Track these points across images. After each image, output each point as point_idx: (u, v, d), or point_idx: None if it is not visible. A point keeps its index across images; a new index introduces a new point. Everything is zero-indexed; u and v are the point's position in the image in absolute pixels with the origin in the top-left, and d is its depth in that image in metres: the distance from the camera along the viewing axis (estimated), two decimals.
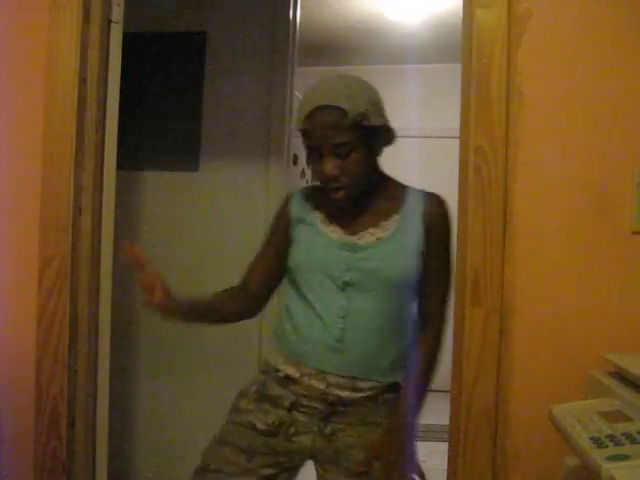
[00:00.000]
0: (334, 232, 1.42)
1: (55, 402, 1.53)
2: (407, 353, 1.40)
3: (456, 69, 1.46)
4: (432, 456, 3.22)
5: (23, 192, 1.59)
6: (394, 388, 1.39)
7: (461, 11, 1.42)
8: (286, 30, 2.55)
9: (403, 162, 4.59)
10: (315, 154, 1.34)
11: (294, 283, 1.44)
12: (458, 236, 1.41)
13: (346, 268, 1.37)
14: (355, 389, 1.36)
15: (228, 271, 2.59)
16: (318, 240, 1.42)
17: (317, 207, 1.46)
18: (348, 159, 1.33)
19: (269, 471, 1.38)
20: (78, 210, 1.57)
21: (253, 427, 1.38)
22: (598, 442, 0.86)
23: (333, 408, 1.36)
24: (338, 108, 1.29)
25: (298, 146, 3.31)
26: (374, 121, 1.31)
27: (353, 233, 1.40)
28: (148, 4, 2.58)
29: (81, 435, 1.58)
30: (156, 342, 2.61)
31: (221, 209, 2.58)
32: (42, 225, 1.55)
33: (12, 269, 1.60)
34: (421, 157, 4.66)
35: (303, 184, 3.48)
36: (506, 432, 1.34)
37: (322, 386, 1.37)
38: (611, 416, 0.93)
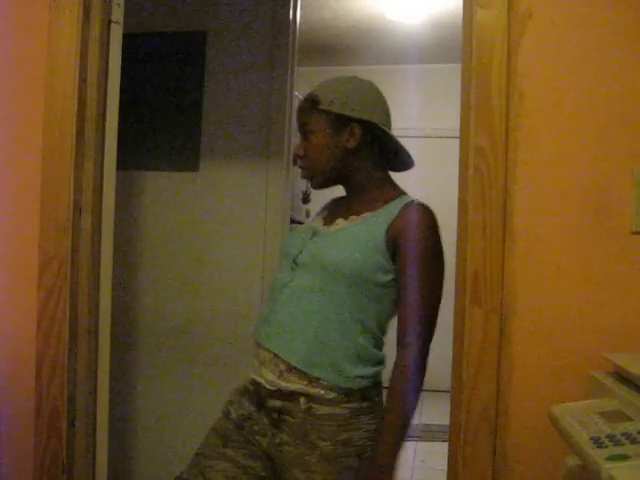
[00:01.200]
0: (316, 223, 1.50)
1: (55, 402, 1.53)
2: (347, 358, 1.34)
3: (456, 69, 1.46)
4: (432, 456, 3.23)
5: (23, 192, 1.59)
6: (326, 402, 1.33)
7: (461, 11, 1.42)
8: (286, 30, 2.55)
9: None
10: None
11: None
12: (458, 236, 1.41)
13: (300, 249, 1.43)
14: (280, 376, 1.34)
15: (228, 271, 2.61)
16: (300, 228, 1.54)
17: (327, 207, 1.58)
18: (310, 141, 1.44)
19: (247, 461, 1.40)
20: (78, 210, 1.57)
21: (228, 415, 1.45)
22: (598, 442, 0.86)
23: (280, 416, 1.35)
24: (312, 94, 1.45)
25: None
26: (327, 106, 1.42)
27: (328, 224, 1.46)
28: (148, 4, 2.58)
29: (81, 435, 1.58)
30: (156, 342, 2.61)
31: (221, 209, 2.59)
32: (42, 225, 1.55)
33: (12, 269, 1.60)
34: (421, 157, 4.65)
35: (303, 184, 3.49)
36: (506, 432, 1.34)
37: (257, 364, 1.40)
38: (611, 416, 0.93)
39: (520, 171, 1.35)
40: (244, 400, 1.45)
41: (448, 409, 1.45)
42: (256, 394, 1.42)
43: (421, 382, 1.32)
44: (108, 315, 1.67)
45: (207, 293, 2.59)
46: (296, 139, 1.49)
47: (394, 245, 1.35)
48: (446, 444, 1.46)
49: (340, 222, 1.43)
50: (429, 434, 3.61)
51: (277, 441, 1.36)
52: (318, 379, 1.32)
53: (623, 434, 0.86)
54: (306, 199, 3.64)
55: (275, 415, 1.37)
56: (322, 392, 1.32)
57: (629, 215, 1.31)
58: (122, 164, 1.79)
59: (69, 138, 1.54)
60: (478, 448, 1.34)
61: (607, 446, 0.84)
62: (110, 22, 1.64)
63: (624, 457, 0.80)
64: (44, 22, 1.56)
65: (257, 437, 1.40)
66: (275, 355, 1.36)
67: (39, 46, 1.57)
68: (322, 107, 1.42)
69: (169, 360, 2.61)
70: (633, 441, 0.84)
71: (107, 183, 1.65)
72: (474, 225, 1.35)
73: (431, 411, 4.13)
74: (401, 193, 1.46)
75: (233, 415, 1.45)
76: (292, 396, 1.34)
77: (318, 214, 1.59)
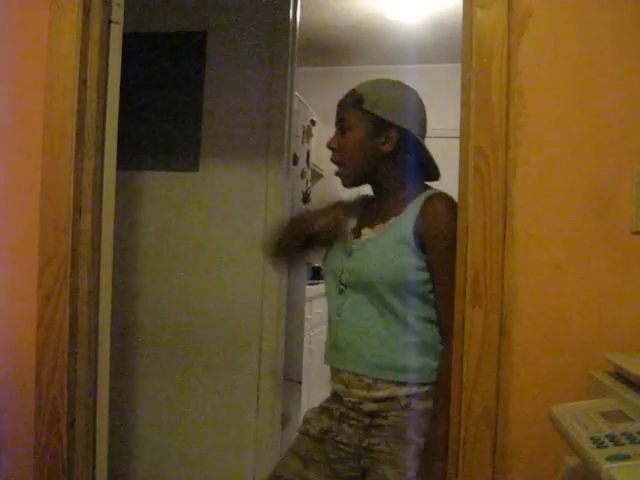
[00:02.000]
0: (349, 237, 1.50)
1: (55, 402, 1.53)
2: (422, 355, 1.40)
3: (456, 69, 1.46)
4: None
5: (23, 192, 1.59)
6: (423, 396, 1.39)
7: (461, 11, 1.42)
8: (286, 30, 2.55)
9: None
10: None
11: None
12: (458, 236, 1.41)
13: (341, 270, 1.44)
14: (370, 388, 1.39)
15: (228, 271, 2.61)
16: (337, 246, 1.50)
17: (356, 211, 1.56)
18: (347, 138, 1.44)
19: None
20: (78, 210, 1.56)
21: (307, 433, 1.47)
22: (598, 442, 0.86)
23: (372, 421, 1.39)
24: (356, 92, 1.45)
25: (298, 146, 3.31)
26: (370, 107, 1.42)
27: (358, 237, 1.47)
28: (148, 4, 2.59)
29: (81, 435, 1.58)
30: (156, 342, 2.61)
31: (221, 209, 2.59)
32: (42, 225, 1.55)
33: (12, 269, 1.60)
34: None
35: (303, 184, 3.48)
36: (506, 432, 1.34)
37: (343, 387, 1.43)
38: (611, 416, 0.93)
39: (520, 171, 1.35)
40: (323, 417, 1.48)
41: None
42: (339, 408, 1.44)
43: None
44: (108, 315, 1.67)
45: (207, 293, 2.59)
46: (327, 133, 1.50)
47: (422, 241, 1.38)
48: None
49: (367, 232, 1.45)
50: None
51: (365, 445, 1.39)
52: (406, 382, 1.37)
53: (623, 434, 0.86)
54: (306, 199, 3.64)
55: (367, 420, 1.39)
56: (416, 389, 1.37)
57: (629, 215, 1.31)
58: (122, 164, 1.78)
59: (69, 138, 1.54)
60: (478, 448, 1.34)
61: (607, 446, 0.84)
62: (110, 22, 1.64)
63: (624, 457, 0.80)
64: (44, 22, 1.56)
65: (341, 445, 1.43)
66: (357, 374, 1.39)
67: (39, 46, 1.57)
68: (365, 107, 1.43)
69: (169, 360, 2.61)
70: (633, 441, 0.84)
71: (107, 183, 1.65)
72: (474, 225, 1.35)
73: None
74: (424, 188, 1.48)
75: (312, 431, 1.47)
76: (388, 398, 1.38)
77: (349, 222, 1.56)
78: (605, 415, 0.94)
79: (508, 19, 1.35)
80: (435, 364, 1.40)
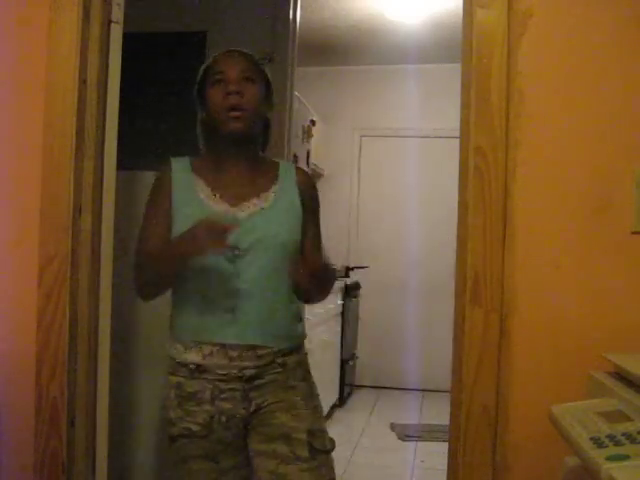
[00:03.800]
0: (218, 205, 1.44)
1: (55, 402, 1.53)
2: (298, 317, 1.48)
3: (456, 69, 1.46)
4: (432, 456, 3.23)
5: (23, 192, 1.59)
6: (299, 350, 1.46)
7: (461, 11, 1.42)
8: (286, 30, 2.55)
9: (403, 162, 4.61)
10: (220, 88, 1.43)
11: None
12: (458, 236, 1.41)
13: (235, 240, 1.36)
14: (259, 358, 1.38)
15: None
16: (204, 215, 1.40)
17: (202, 176, 1.48)
18: (250, 89, 1.44)
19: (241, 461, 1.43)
20: (78, 210, 1.57)
21: (191, 432, 1.39)
22: (598, 442, 0.86)
23: (249, 385, 1.38)
24: (246, 53, 1.48)
25: (298, 146, 3.32)
26: (265, 71, 1.50)
27: (236, 205, 1.44)
28: (148, 4, 2.59)
29: (81, 435, 1.58)
30: (156, 342, 2.61)
31: None
32: (42, 225, 1.55)
33: (12, 269, 1.60)
34: (421, 157, 4.66)
35: None
36: (506, 432, 1.34)
37: (225, 361, 1.37)
38: (611, 416, 0.93)
39: (520, 171, 1.35)
40: (192, 406, 1.39)
41: (448, 409, 1.45)
42: (205, 389, 1.38)
43: (332, 278, 1.51)
44: (108, 315, 1.67)
45: None
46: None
47: (303, 204, 1.47)
48: (446, 444, 1.46)
49: (256, 202, 1.44)
50: (429, 434, 3.61)
51: (253, 409, 1.39)
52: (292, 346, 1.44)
53: (623, 434, 0.86)
54: None
55: (246, 386, 1.38)
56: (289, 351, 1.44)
57: (629, 215, 1.31)
58: (122, 164, 1.78)
59: (69, 138, 1.54)
60: (478, 448, 1.34)
61: (607, 446, 0.84)
62: (110, 22, 1.64)
63: (624, 457, 0.80)
64: (44, 22, 1.56)
65: (230, 424, 1.39)
66: (254, 346, 1.38)
67: (39, 46, 1.57)
68: (263, 67, 1.49)
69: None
70: (633, 441, 0.84)
71: (107, 183, 1.65)
72: (474, 225, 1.35)
73: (431, 411, 4.14)
74: (274, 160, 1.56)
75: (194, 428, 1.39)
76: (268, 362, 1.40)
77: (198, 186, 1.47)
78: (605, 415, 0.94)
79: (508, 19, 1.35)
80: (299, 330, 1.48)
